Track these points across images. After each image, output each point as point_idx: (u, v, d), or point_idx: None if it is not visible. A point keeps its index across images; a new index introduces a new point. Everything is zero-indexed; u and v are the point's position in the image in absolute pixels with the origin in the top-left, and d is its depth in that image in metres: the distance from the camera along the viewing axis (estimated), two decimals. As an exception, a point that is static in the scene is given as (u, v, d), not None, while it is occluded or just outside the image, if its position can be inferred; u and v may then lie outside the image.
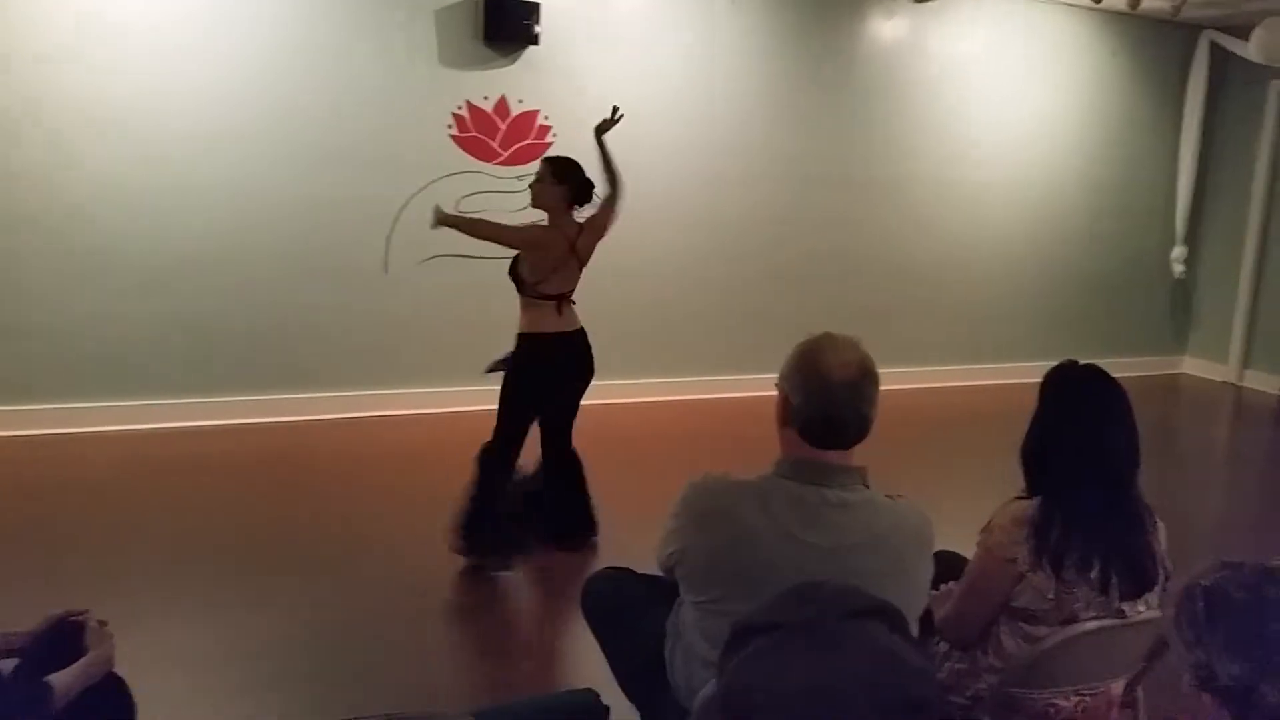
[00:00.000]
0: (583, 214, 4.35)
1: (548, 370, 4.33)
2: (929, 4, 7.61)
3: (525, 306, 4.33)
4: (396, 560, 4.29)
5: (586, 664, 2.94)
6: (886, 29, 7.69)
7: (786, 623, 0.95)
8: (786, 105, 7.45)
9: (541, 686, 3.40)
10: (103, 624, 2.18)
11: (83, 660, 2.05)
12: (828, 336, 2.12)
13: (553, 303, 4.27)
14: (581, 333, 4.39)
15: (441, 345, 6.58)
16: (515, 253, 4.33)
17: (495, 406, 4.38)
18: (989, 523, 2.37)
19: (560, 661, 3.66)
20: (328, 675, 3.38)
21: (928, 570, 2.15)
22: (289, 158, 6.07)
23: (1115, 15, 8.27)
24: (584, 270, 4.41)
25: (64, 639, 2.13)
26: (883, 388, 2.12)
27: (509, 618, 4.05)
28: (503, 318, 6.67)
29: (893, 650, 0.94)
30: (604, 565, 2.87)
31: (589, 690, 2.29)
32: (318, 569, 4.17)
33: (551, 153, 6.67)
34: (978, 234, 8.33)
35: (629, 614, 2.56)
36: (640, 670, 2.45)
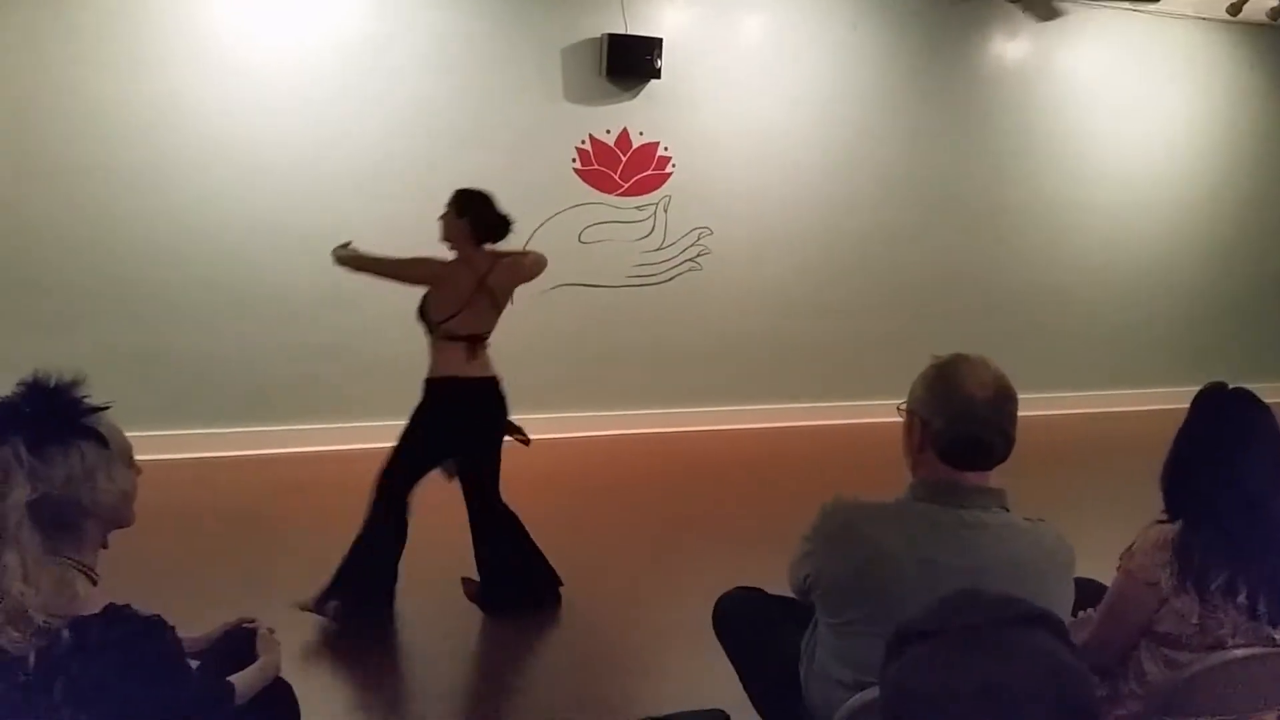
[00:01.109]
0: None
1: (453, 419, 3.94)
2: (1053, 21, 7.50)
3: (433, 348, 3.96)
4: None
5: (713, 683, 2.98)
6: (1009, 49, 7.61)
7: (949, 629, 0.98)
8: (908, 127, 7.43)
9: (669, 706, 3.45)
10: (271, 631, 2.34)
11: (256, 664, 2.20)
12: (961, 357, 2.13)
13: (462, 344, 3.89)
14: (494, 380, 3.98)
15: (564, 373, 6.75)
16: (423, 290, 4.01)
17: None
18: (1130, 546, 2.34)
19: (688, 680, 3.70)
20: (473, 690, 3.51)
21: (1068, 595, 2.13)
22: (422, 193, 6.30)
23: (1254, 27, 8.00)
24: (505, 311, 4.03)
25: (238, 645, 2.30)
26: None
27: (636, 634, 4.11)
28: (626, 345, 6.87)
29: (1057, 656, 0.97)
30: (733, 586, 2.90)
31: (718, 711, 2.32)
32: (455, 587, 4.33)
33: (670, 183, 6.91)
34: (1107, 256, 8.12)
35: (763, 634, 2.60)
36: (774, 691, 2.48)
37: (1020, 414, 2.11)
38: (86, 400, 1.74)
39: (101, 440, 1.73)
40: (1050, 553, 2.11)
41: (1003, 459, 2.08)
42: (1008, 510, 2.13)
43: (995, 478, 2.13)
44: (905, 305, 7.56)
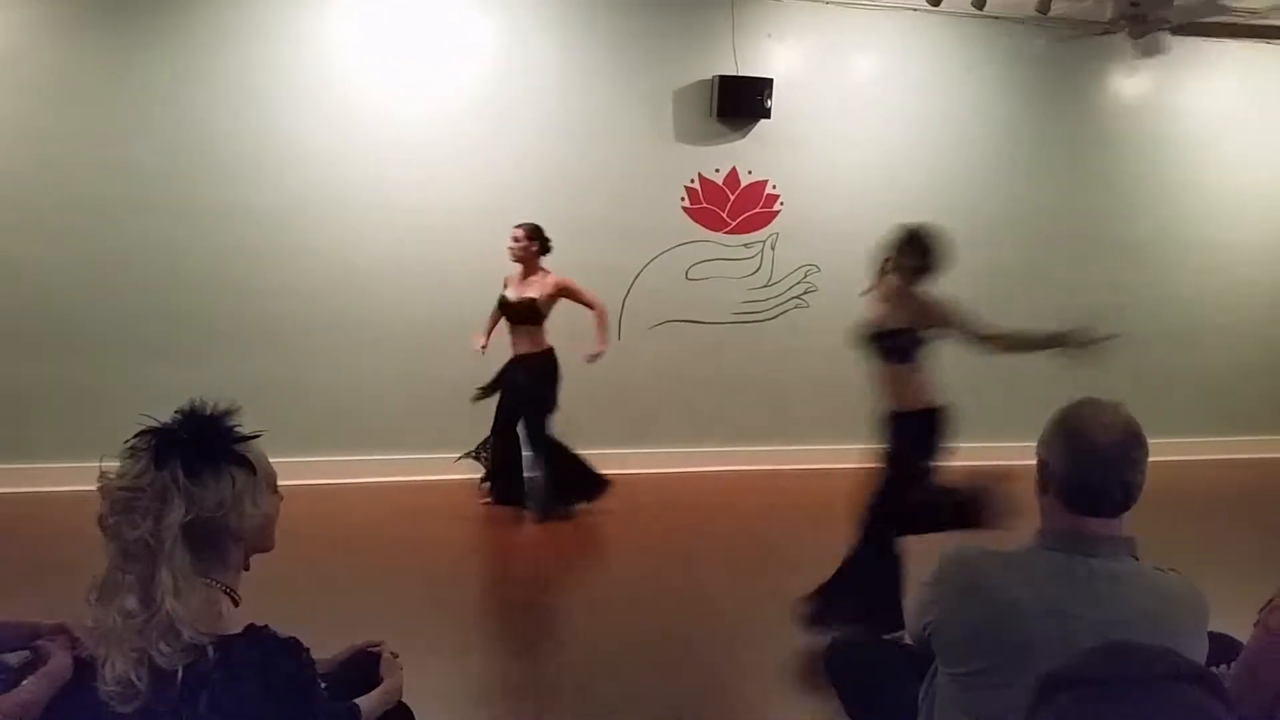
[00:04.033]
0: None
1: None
2: (1174, 55, 7.25)
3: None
4: (638, 605, 4.45)
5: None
6: (1130, 84, 7.42)
7: (1101, 679, 0.96)
8: (1024, 166, 7.31)
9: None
10: (395, 655, 2.40)
11: (381, 688, 2.26)
12: (1090, 400, 2.08)
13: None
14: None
15: (668, 409, 6.79)
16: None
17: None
18: (1271, 601, 2.24)
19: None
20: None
21: (1202, 649, 2.05)
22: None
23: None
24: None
25: (363, 667, 2.37)
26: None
27: (743, 672, 4.09)
28: (731, 381, 6.86)
29: (1213, 715, 0.94)
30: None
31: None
32: (571, 613, 4.38)
33: (778, 221, 6.91)
34: (1235, 298, 7.81)
35: (877, 681, 2.56)
36: (889, 738, 2.44)
37: (1151, 459, 2.05)
38: (238, 429, 1.83)
39: (250, 467, 1.82)
40: (1184, 605, 2.04)
41: (1125, 508, 2.01)
42: (1138, 559, 2.06)
43: (1127, 525, 2.08)
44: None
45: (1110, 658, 1.00)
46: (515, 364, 5.71)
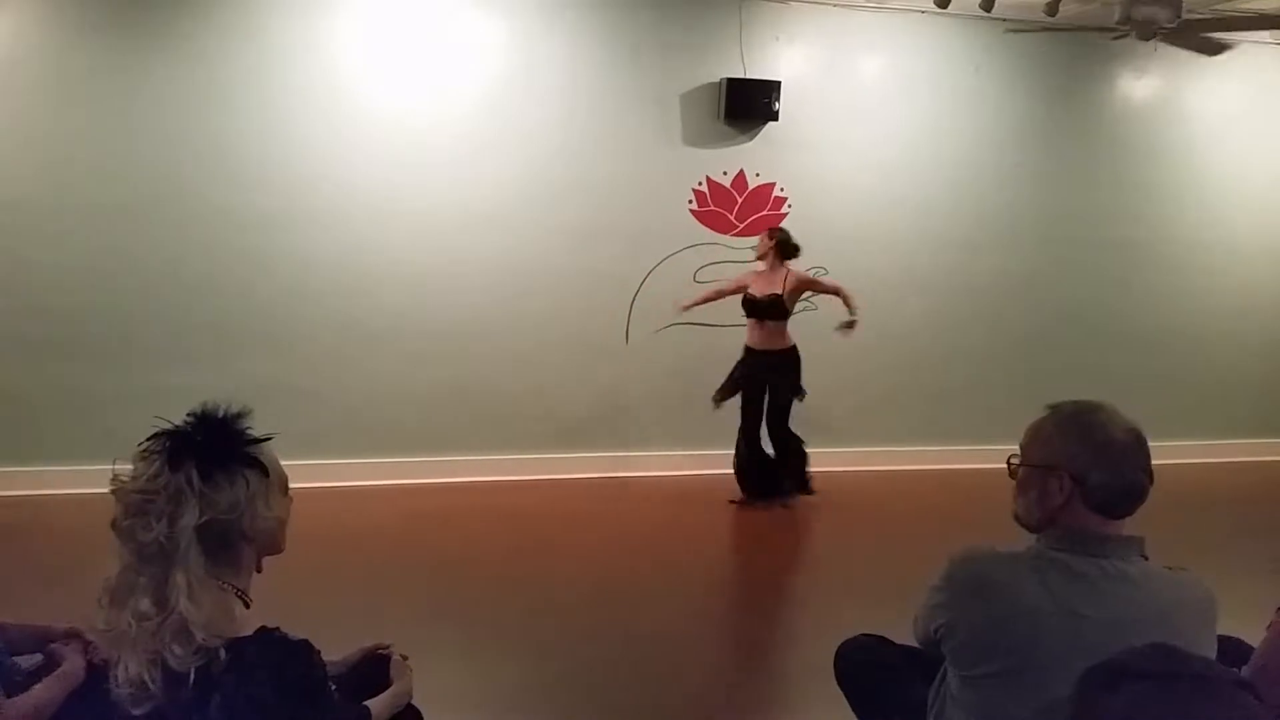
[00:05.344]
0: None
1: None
2: (1179, 57, 7.25)
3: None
4: (644, 607, 4.46)
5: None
6: (1138, 88, 7.41)
7: (1170, 673, 0.96)
8: (1030, 168, 7.30)
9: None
10: (405, 658, 2.40)
11: (391, 690, 2.27)
12: (1093, 405, 2.08)
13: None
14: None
15: (674, 413, 6.79)
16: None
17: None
18: (1285, 604, 2.23)
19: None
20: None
21: (1211, 648, 2.05)
22: (549, 236, 6.52)
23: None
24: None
25: (373, 670, 2.37)
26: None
27: (757, 678, 4.09)
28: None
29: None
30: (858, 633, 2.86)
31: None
32: (575, 614, 4.39)
33: (786, 223, 6.89)
34: (1243, 301, 7.78)
35: (887, 683, 2.55)
36: (898, 741, 2.44)
37: (1156, 462, 2.06)
38: (250, 431, 1.84)
39: (263, 469, 1.82)
40: (1195, 603, 2.04)
41: (1141, 504, 2.05)
42: (1146, 558, 2.06)
43: (1128, 527, 2.08)
44: (1025, 348, 7.37)
45: (1162, 655, 1.00)
46: (759, 358, 6.15)
